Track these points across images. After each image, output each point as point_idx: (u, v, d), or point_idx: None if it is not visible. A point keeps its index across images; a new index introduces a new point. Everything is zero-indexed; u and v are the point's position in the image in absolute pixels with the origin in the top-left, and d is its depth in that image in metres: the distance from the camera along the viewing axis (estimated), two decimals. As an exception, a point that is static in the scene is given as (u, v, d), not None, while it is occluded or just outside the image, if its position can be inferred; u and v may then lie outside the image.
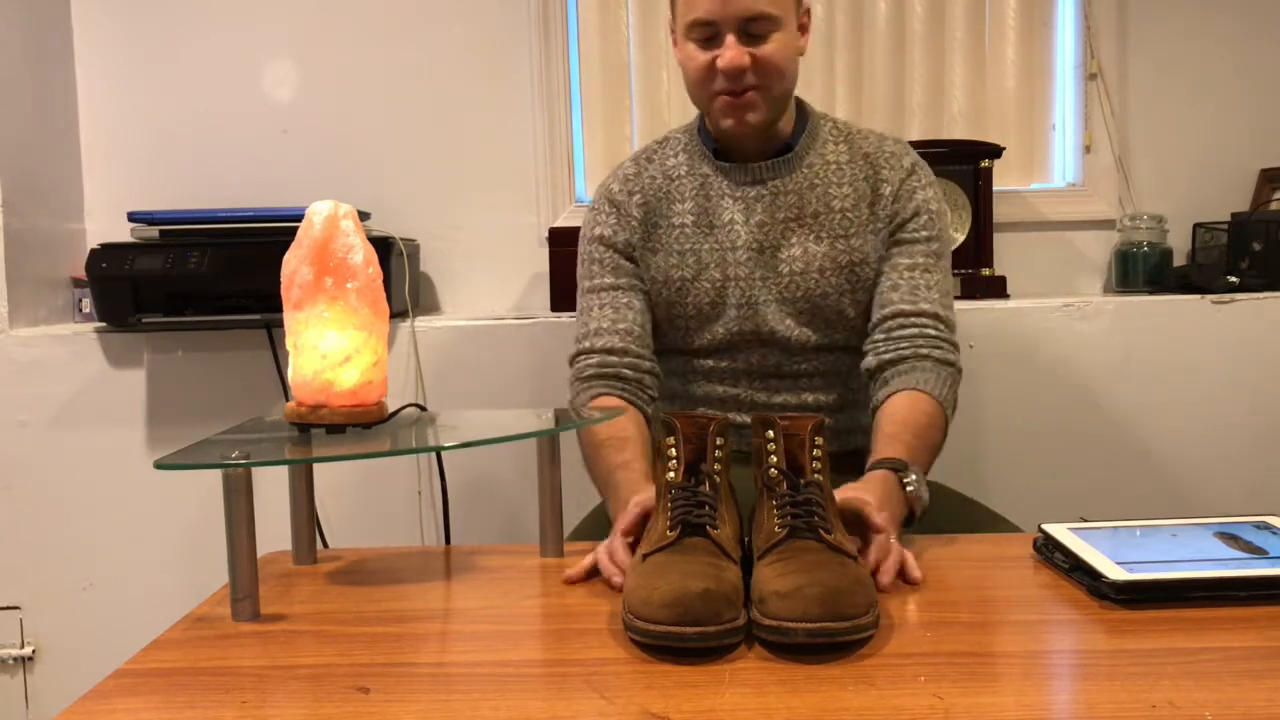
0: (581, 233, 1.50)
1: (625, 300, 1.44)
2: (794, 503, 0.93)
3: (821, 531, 0.91)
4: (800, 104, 1.47)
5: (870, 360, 1.39)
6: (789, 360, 1.43)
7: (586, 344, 1.43)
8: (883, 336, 1.38)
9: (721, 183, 1.43)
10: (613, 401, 1.37)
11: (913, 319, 1.37)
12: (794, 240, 1.41)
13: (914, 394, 1.31)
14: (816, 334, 1.42)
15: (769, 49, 1.33)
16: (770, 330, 1.42)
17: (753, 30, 1.32)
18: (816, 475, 0.97)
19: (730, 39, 1.31)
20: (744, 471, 1.05)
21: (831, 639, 0.82)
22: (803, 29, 1.40)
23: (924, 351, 1.35)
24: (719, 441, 0.97)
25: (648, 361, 1.42)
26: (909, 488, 1.15)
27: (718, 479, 0.97)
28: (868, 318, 1.42)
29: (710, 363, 1.45)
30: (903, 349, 1.36)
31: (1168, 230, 2.07)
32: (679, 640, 0.83)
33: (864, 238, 1.41)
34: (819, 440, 0.98)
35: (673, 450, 0.98)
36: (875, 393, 1.37)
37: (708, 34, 1.33)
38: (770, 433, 0.96)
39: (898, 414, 1.28)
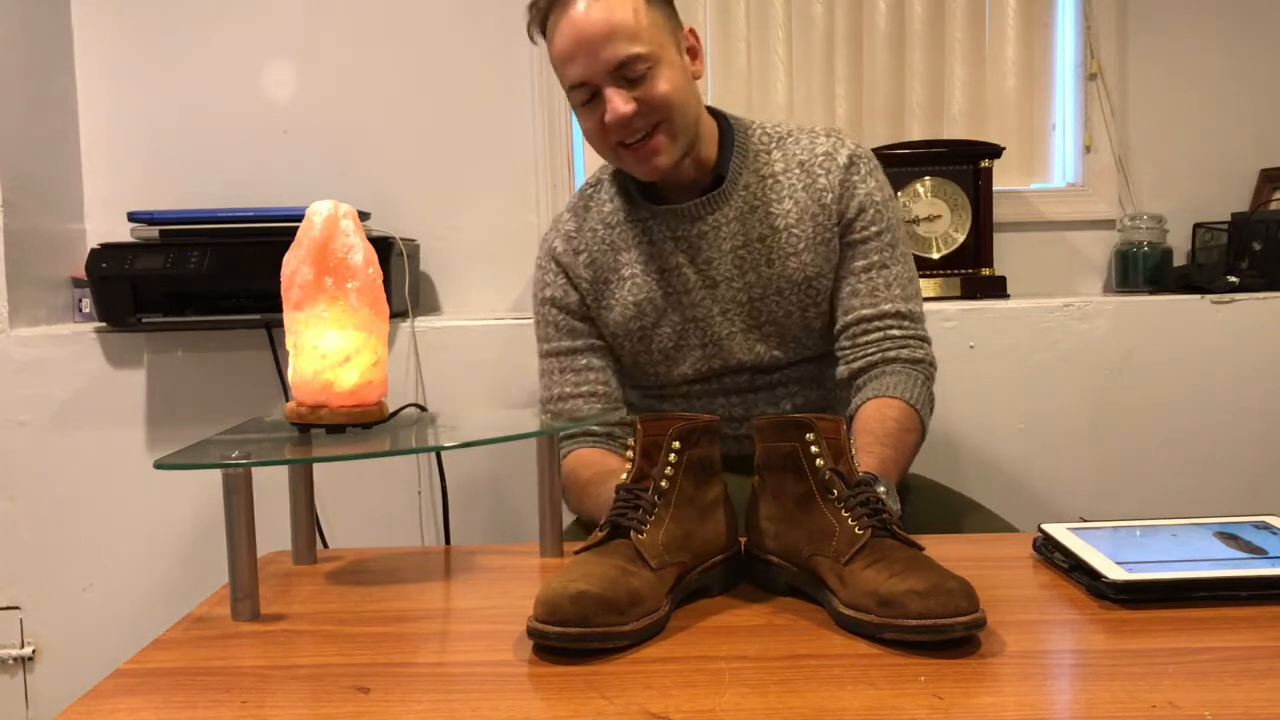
0: (533, 291, 1.47)
1: (584, 362, 1.42)
2: (860, 504, 0.94)
3: (897, 529, 0.93)
4: (723, 120, 1.41)
5: (842, 369, 1.38)
6: (761, 377, 1.42)
7: (553, 408, 1.43)
8: (849, 344, 1.37)
9: (661, 226, 1.39)
10: (589, 453, 1.37)
11: (875, 322, 1.36)
12: (746, 268, 1.38)
13: (883, 400, 1.30)
14: (785, 353, 1.41)
15: (653, 88, 1.27)
16: (739, 360, 1.40)
17: (630, 75, 1.26)
18: (865, 474, 0.98)
19: (609, 92, 1.26)
20: (733, 480, 1.06)
21: (980, 629, 0.84)
22: (692, 53, 1.34)
23: (891, 354, 1.34)
24: (674, 445, 0.96)
25: (616, 414, 1.42)
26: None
27: (665, 484, 0.96)
28: (834, 323, 1.40)
29: (684, 388, 1.44)
30: (870, 354, 1.35)
31: (1168, 230, 2.07)
32: (541, 638, 0.84)
33: (814, 251, 1.37)
34: (852, 439, 0.99)
35: (630, 453, 0.99)
36: (851, 401, 1.36)
37: (588, 95, 1.28)
38: (810, 435, 0.96)
39: (867, 423, 1.28)
